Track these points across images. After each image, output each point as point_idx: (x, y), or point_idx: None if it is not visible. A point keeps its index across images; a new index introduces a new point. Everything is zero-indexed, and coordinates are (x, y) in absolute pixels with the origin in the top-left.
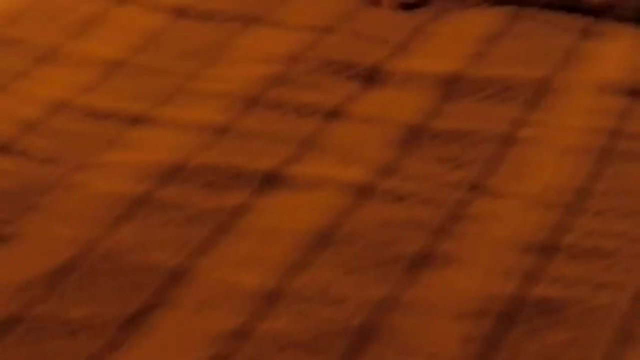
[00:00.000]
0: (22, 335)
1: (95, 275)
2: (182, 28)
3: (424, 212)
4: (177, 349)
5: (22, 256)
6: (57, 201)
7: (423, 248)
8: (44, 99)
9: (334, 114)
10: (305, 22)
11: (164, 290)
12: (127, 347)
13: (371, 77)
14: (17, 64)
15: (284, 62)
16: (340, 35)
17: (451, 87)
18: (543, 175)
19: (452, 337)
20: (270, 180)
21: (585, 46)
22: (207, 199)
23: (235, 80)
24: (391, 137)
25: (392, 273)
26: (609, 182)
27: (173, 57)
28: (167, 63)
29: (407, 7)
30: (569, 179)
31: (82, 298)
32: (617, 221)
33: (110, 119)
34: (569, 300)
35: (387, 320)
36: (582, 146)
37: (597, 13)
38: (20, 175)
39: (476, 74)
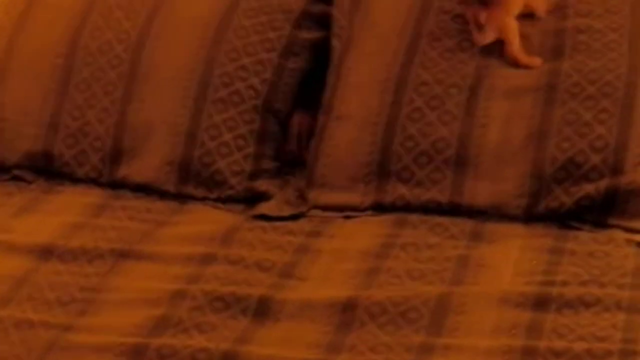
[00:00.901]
0: None
1: None
2: (48, 271)
3: None
4: None
5: None
6: None
7: None
8: None
9: (228, 359)
10: (181, 251)
11: None
12: None
13: (262, 311)
14: None
15: (167, 302)
16: (221, 263)
17: (347, 315)
18: None
19: None
20: None
21: (477, 253)
22: None
23: (115, 329)
24: None
25: None
26: None
27: (42, 307)
28: (36, 315)
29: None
30: None
31: None
32: None
33: None
34: None
35: None
36: None
37: (483, 214)
38: None
39: (371, 297)
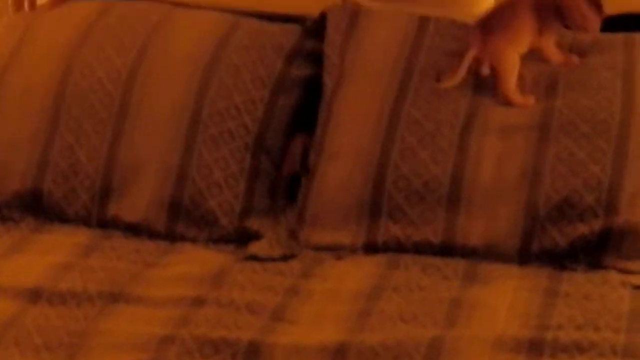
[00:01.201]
0: None
1: None
2: (35, 315)
3: None
4: None
5: None
6: None
7: None
8: None
9: None
10: (171, 293)
11: None
12: None
13: (252, 355)
14: None
15: (156, 346)
16: (211, 306)
17: (338, 359)
18: None
19: None
20: None
21: (470, 295)
22: None
23: None
24: None
25: None
26: None
27: (30, 352)
28: None
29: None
30: None
31: None
32: None
33: None
34: None
35: None
36: None
37: (476, 254)
38: None
39: (363, 342)
